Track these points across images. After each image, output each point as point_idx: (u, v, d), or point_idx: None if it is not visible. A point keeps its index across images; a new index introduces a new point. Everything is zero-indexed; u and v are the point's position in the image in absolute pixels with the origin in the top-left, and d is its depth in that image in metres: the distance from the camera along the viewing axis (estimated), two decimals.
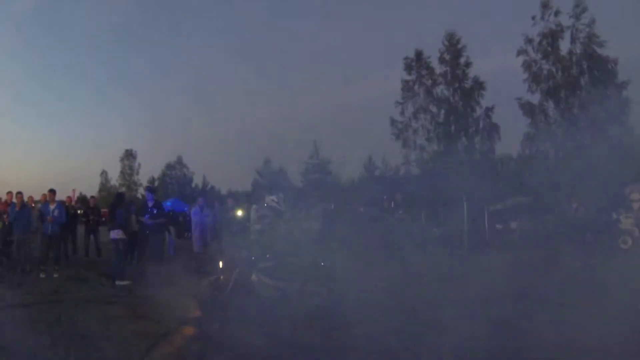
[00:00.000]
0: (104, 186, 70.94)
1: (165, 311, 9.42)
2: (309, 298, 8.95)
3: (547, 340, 7.61)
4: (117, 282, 12.68)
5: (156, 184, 65.03)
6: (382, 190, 20.66)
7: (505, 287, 12.11)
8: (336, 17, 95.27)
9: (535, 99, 37.64)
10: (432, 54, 42.20)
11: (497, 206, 29.66)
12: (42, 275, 13.95)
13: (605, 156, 33.97)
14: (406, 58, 42.29)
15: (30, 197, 16.08)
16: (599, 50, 35.66)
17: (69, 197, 19.48)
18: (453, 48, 41.21)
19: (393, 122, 42.42)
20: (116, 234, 13.25)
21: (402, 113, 42.30)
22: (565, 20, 36.06)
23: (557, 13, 36.05)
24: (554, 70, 36.91)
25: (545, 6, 36.15)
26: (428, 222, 29.11)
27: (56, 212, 14.52)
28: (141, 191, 64.87)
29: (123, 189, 64.71)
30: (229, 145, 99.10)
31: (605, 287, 10.60)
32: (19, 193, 14.83)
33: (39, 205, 15.74)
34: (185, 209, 31.68)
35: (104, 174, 72.68)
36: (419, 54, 42.06)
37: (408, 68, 42.09)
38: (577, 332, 7.72)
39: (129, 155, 70.71)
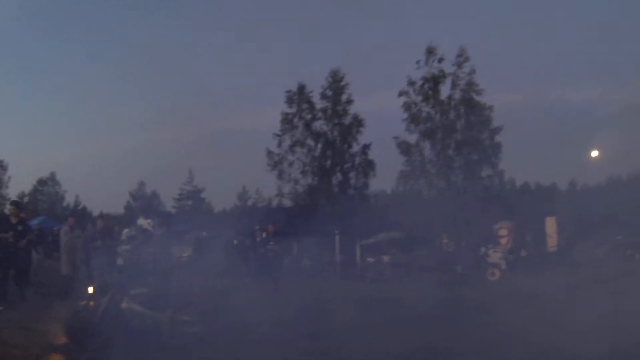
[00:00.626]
0: None
1: (31, 338, 9.18)
2: (181, 327, 8.95)
3: None
4: None
5: (26, 199, 61.83)
6: (255, 221, 20.87)
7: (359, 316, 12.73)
8: (221, 46, 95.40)
9: (412, 139, 38.94)
10: (316, 90, 42.88)
11: (369, 240, 30.42)
12: None
13: (477, 195, 35.80)
14: (288, 91, 42.36)
15: None
16: (476, 97, 37.46)
17: None
18: (336, 85, 41.96)
19: (269, 153, 42.55)
20: None
21: (279, 145, 42.60)
22: (448, 67, 37.66)
23: (440, 60, 37.47)
24: (432, 112, 38.34)
25: (430, 52, 37.39)
26: (300, 253, 29.67)
27: None
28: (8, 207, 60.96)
29: None
30: (104, 166, 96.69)
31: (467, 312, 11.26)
32: None
33: None
34: (55, 227, 30.61)
35: None
36: (301, 88, 42.06)
37: (289, 101, 42.30)
38: None
39: None
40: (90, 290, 9.46)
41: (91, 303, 9.15)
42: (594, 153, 37.89)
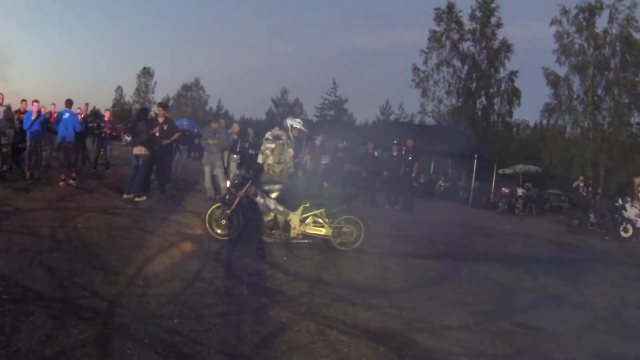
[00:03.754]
0: (118, 102, 70.40)
1: (167, 227, 9.45)
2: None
3: None
4: (126, 196, 12.39)
5: (170, 103, 64.18)
6: (396, 136, 20.53)
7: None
8: None
9: (561, 71, 37.07)
10: (464, 10, 41.61)
11: (506, 170, 29.72)
12: (60, 183, 13.54)
13: (622, 142, 33.48)
14: (437, 9, 41.60)
15: (43, 108, 15.51)
16: (635, 35, 34.72)
17: (79, 109, 18.71)
18: (486, 7, 40.46)
19: (415, 70, 42.06)
20: (138, 149, 12.86)
21: (425, 62, 41.92)
22: None
23: None
24: (585, 46, 36.17)
25: None
26: (436, 173, 29.38)
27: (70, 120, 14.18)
28: (155, 110, 62.76)
29: (137, 106, 64.25)
30: (247, 73, 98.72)
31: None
32: (36, 101, 14.33)
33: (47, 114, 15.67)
34: (198, 130, 31.63)
35: (119, 89, 72.42)
36: (450, 7, 41.31)
37: (438, 19, 41.44)
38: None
39: (146, 72, 70.01)
40: (227, 184, 9.54)
41: (227, 197, 9.23)
42: None
